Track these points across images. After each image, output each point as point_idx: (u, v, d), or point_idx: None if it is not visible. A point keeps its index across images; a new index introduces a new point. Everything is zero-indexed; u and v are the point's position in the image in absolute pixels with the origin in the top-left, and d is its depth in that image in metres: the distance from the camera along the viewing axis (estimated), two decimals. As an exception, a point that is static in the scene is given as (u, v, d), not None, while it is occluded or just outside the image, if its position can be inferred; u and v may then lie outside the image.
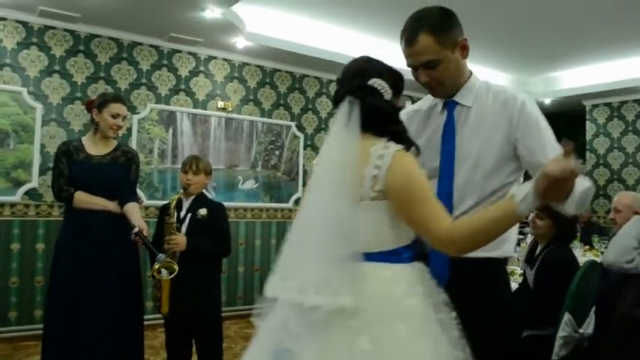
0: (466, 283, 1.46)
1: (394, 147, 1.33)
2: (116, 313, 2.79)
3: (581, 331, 2.70)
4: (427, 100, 1.74)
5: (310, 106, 6.06)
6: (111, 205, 2.86)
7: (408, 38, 1.55)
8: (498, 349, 1.54)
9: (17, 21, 4.42)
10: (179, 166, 3.16)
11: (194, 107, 5.27)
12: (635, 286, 2.71)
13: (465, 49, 1.59)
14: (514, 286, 3.17)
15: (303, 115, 6.00)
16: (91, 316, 2.74)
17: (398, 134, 1.40)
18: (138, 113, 4.93)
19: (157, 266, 2.74)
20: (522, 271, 3.21)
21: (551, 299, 2.67)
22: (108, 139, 2.94)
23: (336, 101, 1.41)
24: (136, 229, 2.72)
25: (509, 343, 1.62)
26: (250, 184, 5.60)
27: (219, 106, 5.38)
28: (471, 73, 1.67)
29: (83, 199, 2.82)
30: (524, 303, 2.84)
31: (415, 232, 1.34)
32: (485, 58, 5.94)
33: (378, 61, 1.45)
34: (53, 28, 4.56)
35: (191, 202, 2.96)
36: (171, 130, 5.12)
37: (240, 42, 5.04)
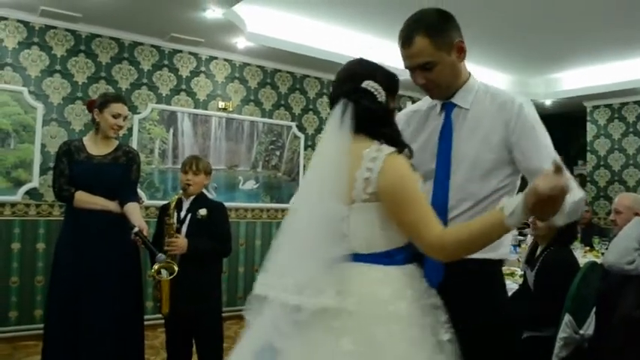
0: (462, 284, 1.46)
1: (387, 149, 1.33)
2: (116, 313, 2.79)
3: (581, 332, 2.69)
4: (427, 101, 1.74)
5: (311, 107, 6.06)
6: (111, 205, 2.86)
7: (404, 40, 1.55)
8: (497, 350, 1.54)
9: (18, 21, 4.42)
10: (180, 166, 3.16)
11: (195, 107, 5.27)
12: (635, 288, 2.71)
13: (461, 51, 1.58)
14: (514, 287, 3.18)
15: (303, 116, 6.00)
16: (91, 315, 2.74)
17: (391, 136, 1.40)
18: (139, 113, 4.94)
19: (156, 267, 2.74)
20: (523, 273, 3.20)
21: (552, 300, 2.67)
22: (109, 139, 2.94)
23: (331, 104, 1.43)
24: (135, 229, 2.71)
25: (508, 344, 1.62)
26: (251, 185, 5.60)
27: (219, 107, 5.38)
28: (469, 74, 1.66)
29: (84, 198, 2.82)
30: (524, 304, 2.84)
31: (406, 236, 1.34)
32: (485, 59, 5.94)
33: (371, 63, 1.45)
34: (54, 27, 4.57)
35: (191, 202, 2.96)
36: (172, 130, 5.12)
37: (241, 42, 5.04)
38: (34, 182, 4.43)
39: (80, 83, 4.69)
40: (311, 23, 5.18)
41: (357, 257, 1.33)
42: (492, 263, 1.60)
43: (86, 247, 2.79)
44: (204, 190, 3.09)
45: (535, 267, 2.86)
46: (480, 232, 1.25)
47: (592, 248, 5.12)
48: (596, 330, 2.75)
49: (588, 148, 7.21)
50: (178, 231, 2.88)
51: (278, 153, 5.79)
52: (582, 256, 4.42)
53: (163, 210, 3.01)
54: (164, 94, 5.11)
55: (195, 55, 5.28)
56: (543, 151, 1.53)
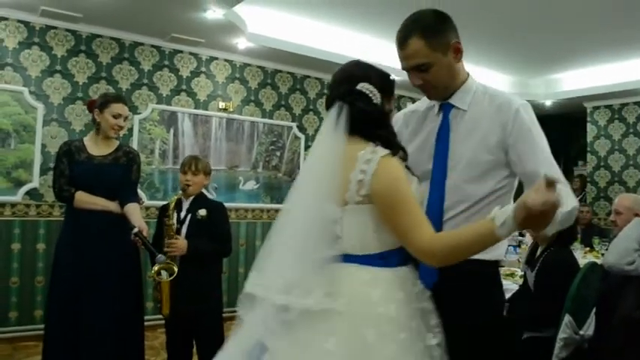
0: (457, 285, 1.46)
1: (381, 152, 1.33)
2: (116, 313, 2.79)
3: (581, 332, 2.69)
4: (425, 101, 1.73)
5: (311, 107, 6.06)
6: (111, 206, 2.87)
7: (400, 41, 1.55)
8: (495, 350, 1.54)
9: (19, 21, 4.42)
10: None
11: (195, 108, 5.27)
12: (635, 288, 2.71)
13: (458, 52, 1.58)
14: (514, 287, 3.18)
15: (304, 116, 6.00)
16: (91, 316, 2.75)
17: (386, 138, 1.40)
18: (139, 113, 4.94)
19: (156, 268, 2.74)
20: (523, 273, 3.21)
21: (552, 301, 2.67)
22: (109, 139, 2.95)
23: (327, 106, 1.43)
24: (135, 230, 2.72)
25: (505, 345, 1.62)
26: (251, 185, 5.60)
27: (220, 107, 5.38)
28: (468, 75, 1.65)
29: (84, 199, 2.83)
30: (524, 305, 2.84)
31: (397, 239, 1.34)
32: (485, 59, 5.93)
33: (367, 65, 1.46)
34: (55, 28, 4.57)
35: (191, 202, 2.95)
36: (172, 131, 5.12)
37: (241, 43, 5.04)
38: (35, 182, 4.43)
39: (81, 83, 4.70)
40: (311, 24, 5.18)
41: (350, 258, 1.33)
42: (487, 264, 1.59)
43: (86, 248, 2.79)
44: (204, 191, 3.09)
45: (535, 267, 2.86)
46: (470, 240, 1.25)
47: (592, 249, 5.12)
48: (596, 330, 2.75)
49: (588, 149, 7.20)
50: (178, 231, 2.88)
51: (278, 153, 5.79)
52: (582, 256, 4.42)
53: (163, 210, 3.01)
54: (164, 95, 5.11)
55: (195, 55, 5.29)
56: (539, 154, 1.52)
